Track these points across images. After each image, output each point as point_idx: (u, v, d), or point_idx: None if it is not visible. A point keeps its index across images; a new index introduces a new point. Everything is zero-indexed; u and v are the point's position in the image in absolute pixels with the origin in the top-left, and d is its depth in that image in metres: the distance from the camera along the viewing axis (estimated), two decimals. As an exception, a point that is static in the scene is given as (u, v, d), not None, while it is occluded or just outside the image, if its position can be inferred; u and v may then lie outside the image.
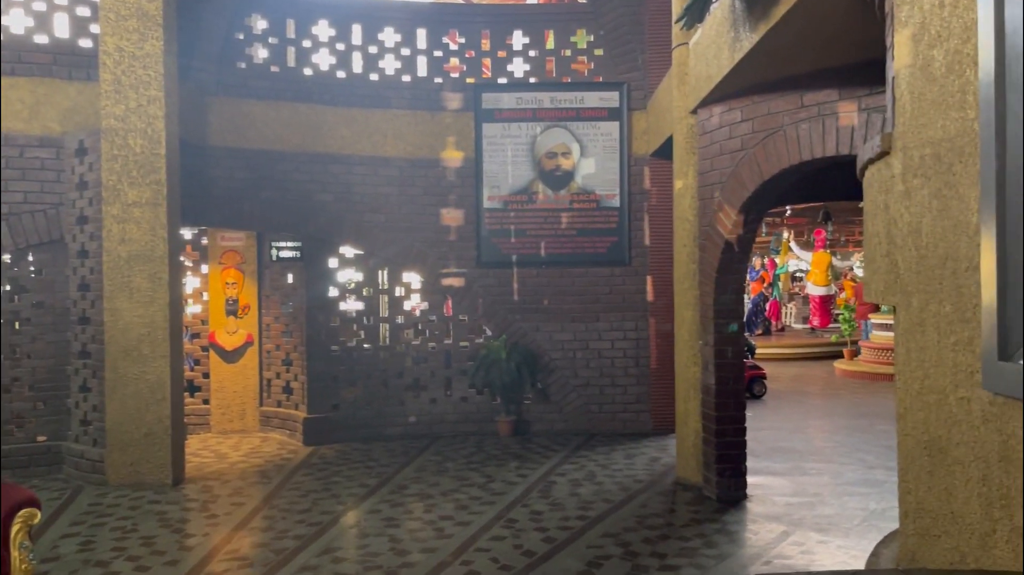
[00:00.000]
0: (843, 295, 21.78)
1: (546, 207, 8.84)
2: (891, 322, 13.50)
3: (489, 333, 8.89)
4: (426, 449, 8.11)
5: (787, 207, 17.58)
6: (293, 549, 5.16)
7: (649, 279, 8.78)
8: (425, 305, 9.13)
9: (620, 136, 8.78)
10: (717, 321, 6.18)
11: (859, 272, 26.59)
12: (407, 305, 9.27)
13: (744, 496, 6.16)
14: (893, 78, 3.08)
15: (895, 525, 5.48)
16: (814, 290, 18.27)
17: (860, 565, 4.72)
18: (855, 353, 14.41)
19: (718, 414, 6.16)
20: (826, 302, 18.21)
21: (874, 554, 3.72)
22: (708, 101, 6.14)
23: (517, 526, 5.58)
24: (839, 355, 14.95)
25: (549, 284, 8.85)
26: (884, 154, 2.93)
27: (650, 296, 8.77)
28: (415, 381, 8.90)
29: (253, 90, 8.24)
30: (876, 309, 18.95)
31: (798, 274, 26.34)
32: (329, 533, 5.49)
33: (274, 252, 8.78)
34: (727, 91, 5.82)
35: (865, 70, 4.95)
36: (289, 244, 8.75)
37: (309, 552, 5.10)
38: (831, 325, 18.31)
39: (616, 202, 8.80)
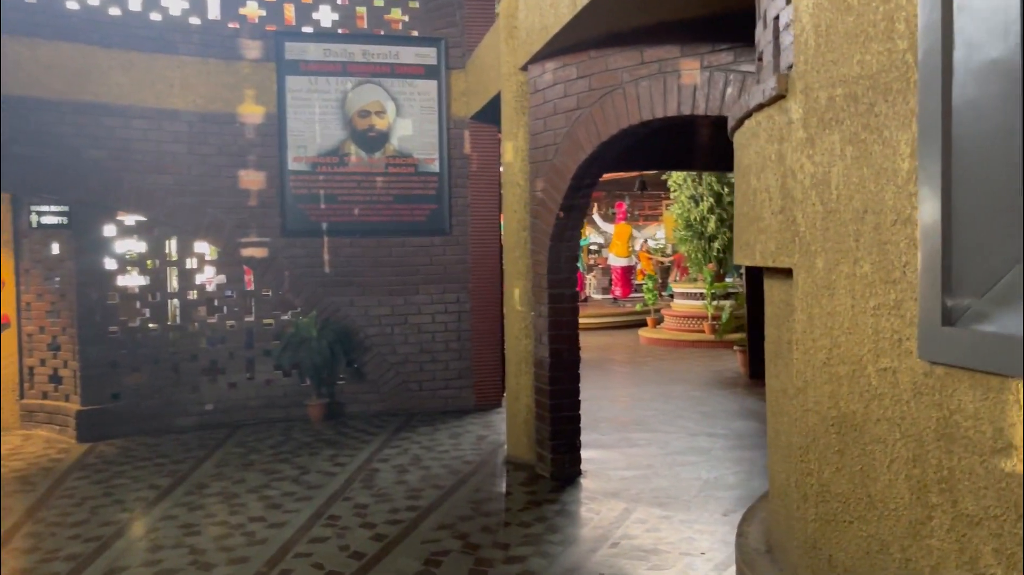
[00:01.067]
0: (639, 266, 22.70)
1: (360, 171, 8.14)
2: (693, 290, 14.04)
3: (298, 309, 8.10)
4: (227, 440, 7.24)
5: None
6: (66, 573, 4.25)
7: (471, 249, 8.35)
8: (222, 279, 8.16)
9: (439, 96, 8.24)
10: (551, 291, 5.86)
11: (652, 244, 27.87)
12: (200, 279, 8.24)
13: (579, 473, 5.92)
14: (780, 14, 2.78)
15: (731, 494, 5.49)
16: (616, 261, 18.76)
17: (706, 540, 4.58)
18: (658, 321, 14.89)
19: (552, 388, 5.85)
20: (627, 273, 18.76)
21: (741, 534, 3.51)
22: (541, 56, 5.75)
23: (340, 523, 4.98)
24: (643, 324, 15.39)
25: (364, 255, 8.19)
26: (779, 98, 2.62)
27: (472, 267, 8.36)
28: (211, 364, 7.94)
29: (2, 23, 6.85)
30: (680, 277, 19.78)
31: (592, 247, 27.14)
32: (113, 549, 4.60)
33: (34, 218, 7.44)
34: (563, 45, 5.45)
35: (708, 26, 4.74)
36: (53, 209, 7.45)
37: (87, 577, 4.22)
38: (632, 295, 18.90)
39: (435, 167, 8.26)
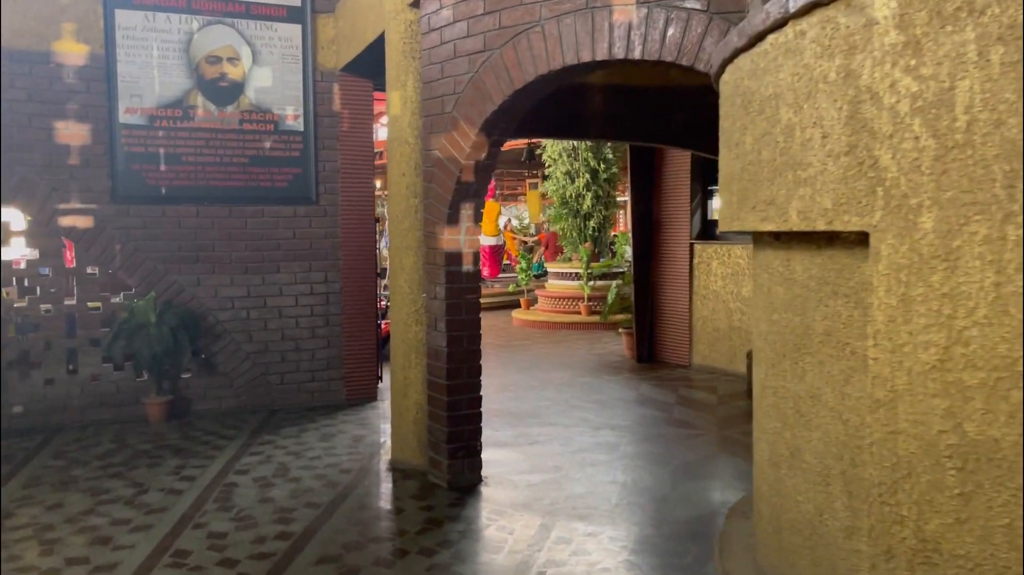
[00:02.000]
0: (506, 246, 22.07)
1: (209, 127, 6.89)
2: (569, 270, 13.50)
3: (132, 290, 6.79)
4: (41, 450, 5.90)
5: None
6: None
7: (341, 221, 7.31)
8: (33, 253, 6.71)
9: (303, 43, 7.11)
10: (449, 269, 4.97)
11: (516, 223, 27.36)
12: (6, 254, 6.76)
13: (480, 479, 5.10)
14: None
15: (657, 502, 4.58)
16: (484, 240, 17.99)
17: (651, 564, 3.87)
18: (532, 302, 14.28)
19: (450, 383, 4.99)
20: (496, 252, 18.05)
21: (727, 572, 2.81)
22: (438, -12, 4.82)
23: (192, 561, 3.92)
24: (516, 305, 14.76)
25: (214, 226, 6.97)
26: (849, -8, 1.86)
27: (342, 242, 7.31)
28: (22, 356, 6.52)
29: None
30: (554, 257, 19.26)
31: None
32: None
33: None
34: (468, -27, 4.54)
35: (648, -47, 3.98)
36: None
37: None
38: (500, 275, 18.23)
39: (299, 125, 7.14)
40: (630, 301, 9.78)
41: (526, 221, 27.71)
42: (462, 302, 5.01)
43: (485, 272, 18.01)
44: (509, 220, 25.18)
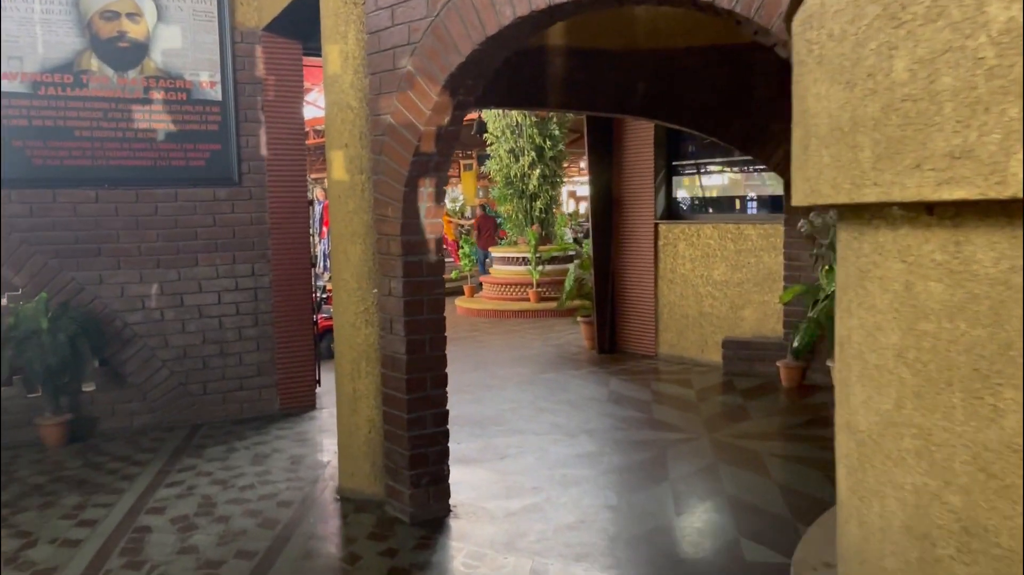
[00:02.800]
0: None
1: (107, 95, 5.83)
2: (515, 254, 12.71)
3: (18, 290, 5.71)
4: (-95, 490, 4.83)
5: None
6: None
7: (270, 205, 6.34)
8: None
9: (219, -3, 6.09)
10: (407, 259, 4.12)
11: (449, 205, 26.38)
12: None
13: (448, 511, 4.27)
14: None
15: (666, 534, 3.83)
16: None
17: (674, 621, 3.12)
18: (476, 289, 13.46)
19: (411, 396, 4.14)
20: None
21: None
22: (385, -86, 3.92)
23: (87, 650, 3.00)
24: (460, 292, 13.91)
25: (118, 213, 5.93)
26: None
27: (272, 228, 6.36)
28: None
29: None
30: (491, 242, 18.42)
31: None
32: None
33: None
34: None
35: None
36: None
37: None
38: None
39: (217, 94, 6.13)
40: (589, 287, 9.05)
41: (460, 203, 26.85)
42: (423, 299, 4.16)
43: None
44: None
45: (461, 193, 26.34)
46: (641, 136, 8.44)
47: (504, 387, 7.23)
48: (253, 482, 4.82)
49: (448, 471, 4.28)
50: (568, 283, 9.17)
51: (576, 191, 42.05)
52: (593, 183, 8.72)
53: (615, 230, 8.75)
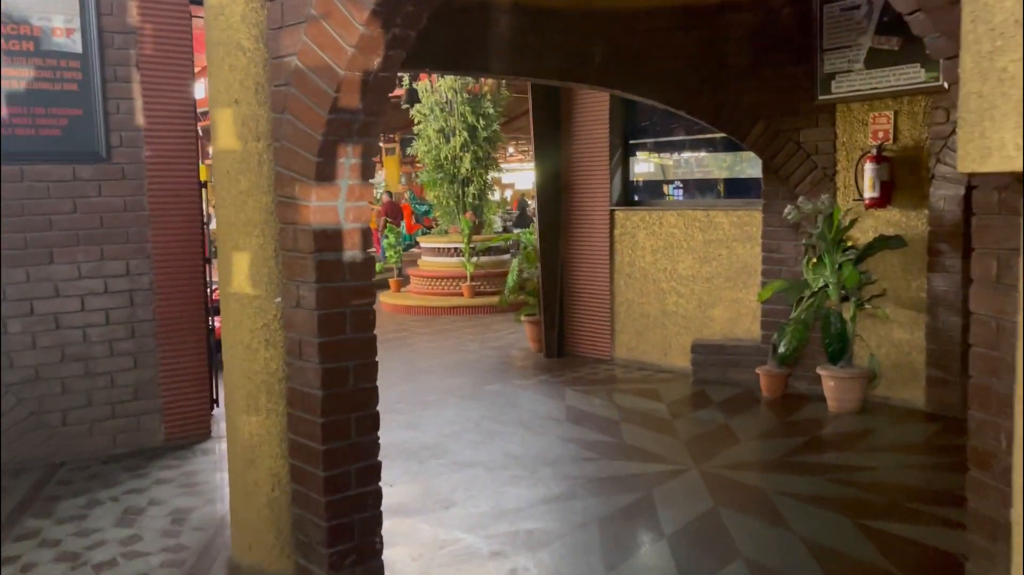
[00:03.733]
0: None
1: (-80, 40, 4.46)
2: (446, 245, 11.56)
3: None
4: None
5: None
6: None
7: (149, 186, 5.06)
8: None
9: (77, -80, 4.76)
10: (322, 257, 2.97)
11: (377, 194, 24.98)
12: None
13: (382, 595, 3.17)
14: None
15: None
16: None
17: None
18: (403, 283, 12.25)
19: (329, 446, 3.01)
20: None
21: None
22: None
23: None
24: (384, 286, 12.69)
25: (-60, 195, 4.57)
26: None
27: (153, 216, 5.08)
28: None
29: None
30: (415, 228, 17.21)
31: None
32: None
33: None
34: None
35: None
36: None
37: None
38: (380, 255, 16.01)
39: (76, 44, 4.81)
40: (534, 283, 8.00)
41: (381, 189, 25.46)
42: (345, 312, 3.03)
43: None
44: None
45: (383, 180, 24.94)
46: (594, 110, 7.42)
47: (443, 404, 6.12)
48: (115, 555, 3.59)
49: (381, 544, 3.17)
50: (510, 278, 8.10)
51: (502, 178, 41.08)
52: (539, 165, 7.65)
53: (564, 218, 7.72)
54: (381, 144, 24.58)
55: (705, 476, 4.46)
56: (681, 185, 7.40)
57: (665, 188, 7.50)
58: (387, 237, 12.21)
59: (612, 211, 7.36)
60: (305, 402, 3.04)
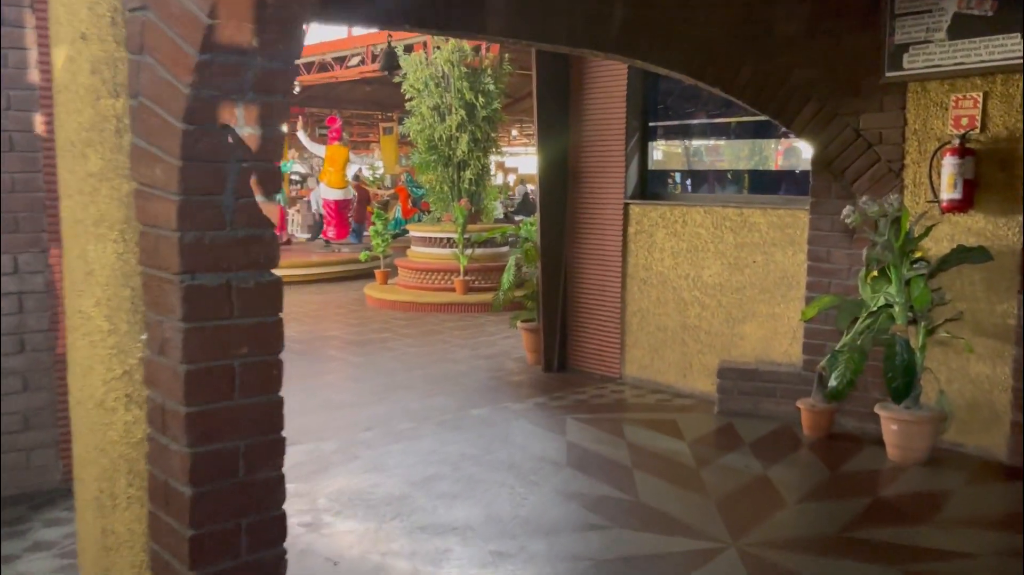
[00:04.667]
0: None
1: None
2: (438, 234, 10.49)
3: None
4: None
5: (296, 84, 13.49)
6: None
7: (46, 159, 4.00)
8: None
9: None
10: (193, 280, 1.90)
11: (368, 174, 23.88)
12: None
13: None
14: None
15: None
16: (328, 193, 14.64)
17: None
18: (390, 274, 11.17)
19: (200, 570, 1.95)
20: (343, 208, 14.74)
21: None
22: None
23: None
24: (370, 276, 11.64)
25: None
26: None
27: (49, 198, 4.01)
28: None
29: None
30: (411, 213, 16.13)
31: (295, 176, 22.56)
32: None
33: None
34: None
35: None
36: None
37: None
38: (350, 238, 14.95)
39: (-52, -25, 3.72)
40: (534, 284, 6.94)
41: (380, 171, 24.34)
42: (233, 364, 1.97)
43: (330, 233, 14.73)
44: (360, 170, 21.73)
45: (380, 161, 23.82)
46: (608, 86, 6.33)
47: (419, 434, 5.07)
48: None
49: None
50: (506, 277, 7.02)
51: (505, 162, 39.72)
52: (543, 147, 6.57)
53: (570, 211, 6.64)
54: (379, 122, 23.47)
55: (746, 559, 3.41)
56: (710, 176, 6.31)
57: (690, 180, 6.41)
58: (375, 224, 11.13)
59: (626, 205, 6.28)
60: (170, 500, 1.98)
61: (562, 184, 6.64)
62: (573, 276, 6.68)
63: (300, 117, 15.60)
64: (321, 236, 15.30)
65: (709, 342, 5.89)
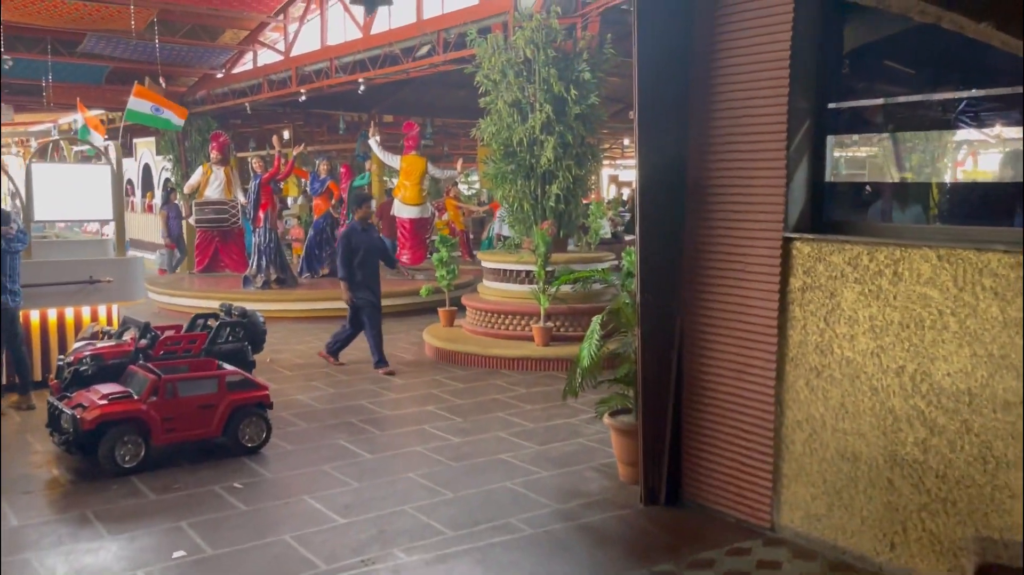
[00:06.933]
0: (445, 218, 16.52)
1: None
2: (515, 266, 8.13)
3: None
4: None
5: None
6: None
7: None
8: None
9: None
10: None
11: (464, 189, 21.82)
12: None
13: None
14: None
15: None
16: (403, 211, 12.54)
17: None
18: (455, 314, 8.86)
19: None
20: (420, 229, 12.61)
21: None
22: None
23: None
24: (432, 312, 9.41)
25: None
26: None
27: None
28: None
29: None
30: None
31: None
32: None
33: None
34: None
35: None
36: None
37: None
38: (427, 263, 12.80)
39: None
40: (630, 359, 4.47)
41: (477, 186, 22.26)
42: None
43: (405, 258, 12.59)
44: (455, 184, 19.38)
45: (477, 173, 21.72)
46: (759, 46, 3.80)
47: None
48: None
49: None
50: (586, 349, 4.52)
51: (618, 175, 36.77)
52: (644, 149, 4.09)
53: (688, 250, 4.14)
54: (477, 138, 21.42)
55: None
56: (943, 196, 3.69)
57: (902, 201, 3.79)
58: (438, 250, 8.88)
59: (787, 241, 3.73)
60: None
61: (674, 206, 4.15)
62: (693, 353, 4.16)
63: (372, 122, 13.59)
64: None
65: (945, 493, 3.25)
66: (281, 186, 14.11)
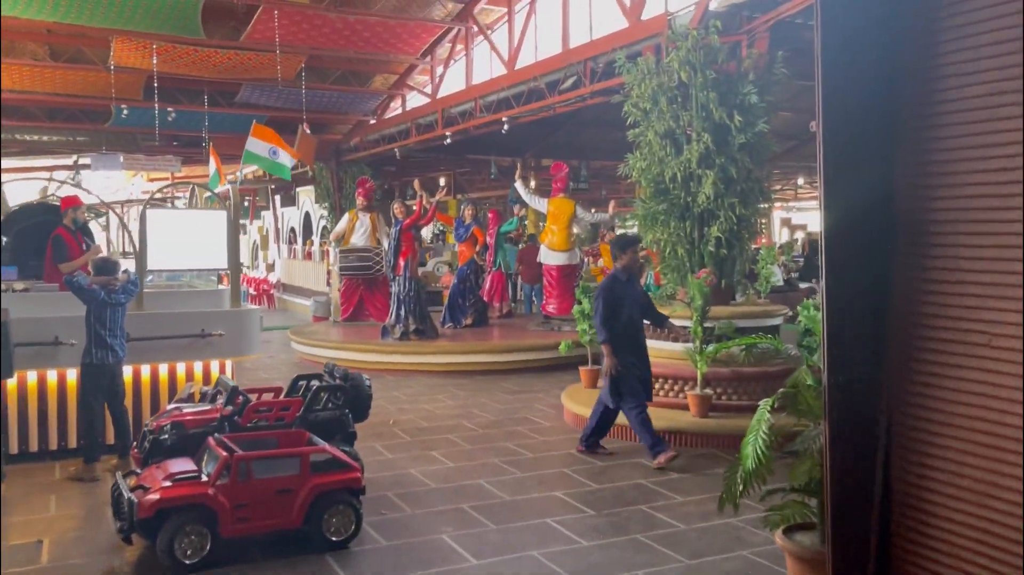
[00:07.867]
0: (600, 264, 15.53)
1: None
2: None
3: None
4: None
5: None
6: None
7: None
8: None
9: None
10: None
11: (619, 232, 20.74)
12: None
13: None
14: None
15: None
16: (549, 257, 11.69)
17: None
18: (598, 375, 7.82)
19: None
20: (566, 276, 11.69)
21: None
22: None
23: None
24: (574, 371, 8.41)
25: None
26: None
27: None
28: None
29: None
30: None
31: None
32: None
33: None
34: None
35: None
36: None
37: None
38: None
39: None
40: (814, 461, 3.28)
41: (635, 230, 21.11)
42: None
43: (551, 307, 11.71)
44: (612, 229, 18.33)
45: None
46: (995, 51, 2.60)
47: None
48: None
49: None
50: (751, 443, 3.37)
51: (791, 218, 34.22)
52: (831, 179, 2.95)
53: (898, 308, 2.93)
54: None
55: None
56: None
57: None
58: (579, 301, 7.89)
59: (1062, 303, 2.47)
60: None
61: (876, 254, 2.96)
62: (908, 461, 2.92)
63: (519, 164, 12.94)
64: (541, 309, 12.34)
65: None
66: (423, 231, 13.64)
